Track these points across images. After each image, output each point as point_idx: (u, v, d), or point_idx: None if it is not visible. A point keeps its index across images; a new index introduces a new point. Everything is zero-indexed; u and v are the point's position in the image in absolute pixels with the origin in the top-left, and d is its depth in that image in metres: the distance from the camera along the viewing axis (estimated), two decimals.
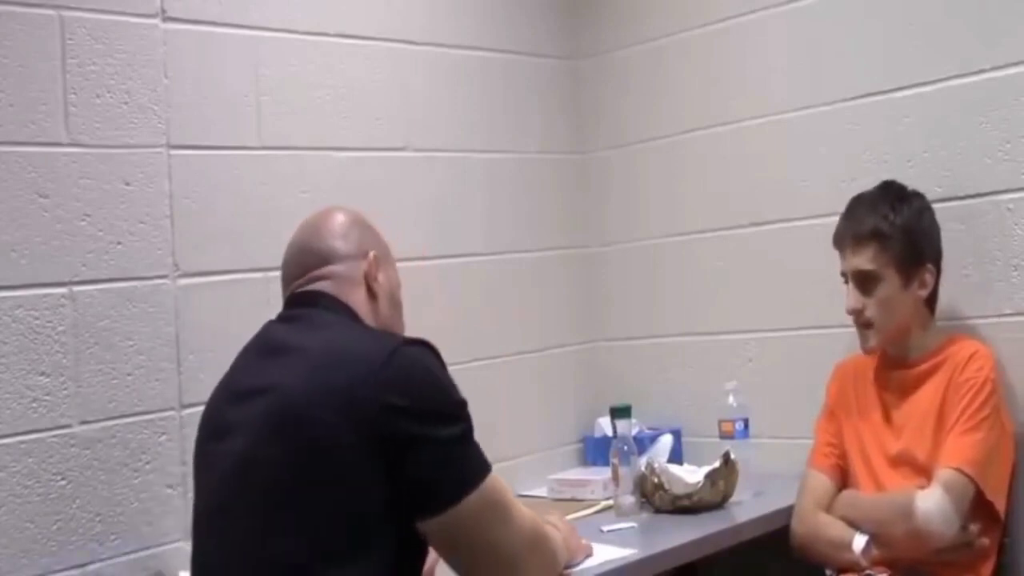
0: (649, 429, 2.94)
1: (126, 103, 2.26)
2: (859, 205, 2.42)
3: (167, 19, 2.33)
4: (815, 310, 2.72)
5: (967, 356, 2.34)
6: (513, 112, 3.08)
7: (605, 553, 2.13)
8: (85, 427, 2.15)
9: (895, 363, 2.44)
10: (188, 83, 2.36)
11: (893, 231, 2.33)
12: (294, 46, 2.56)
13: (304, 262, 1.85)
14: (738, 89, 2.91)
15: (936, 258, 2.40)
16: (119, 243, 2.23)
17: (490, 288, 2.97)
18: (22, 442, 2.07)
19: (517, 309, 3.04)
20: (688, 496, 2.48)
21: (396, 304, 1.91)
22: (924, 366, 2.39)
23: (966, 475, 2.23)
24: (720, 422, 2.66)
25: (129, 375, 2.23)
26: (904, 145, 2.59)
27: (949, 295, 2.51)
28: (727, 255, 2.94)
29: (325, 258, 1.83)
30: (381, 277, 1.86)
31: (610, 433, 2.63)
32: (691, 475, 2.51)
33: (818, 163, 2.75)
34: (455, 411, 1.66)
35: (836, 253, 2.71)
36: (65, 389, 2.13)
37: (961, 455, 2.25)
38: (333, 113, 2.63)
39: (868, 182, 2.62)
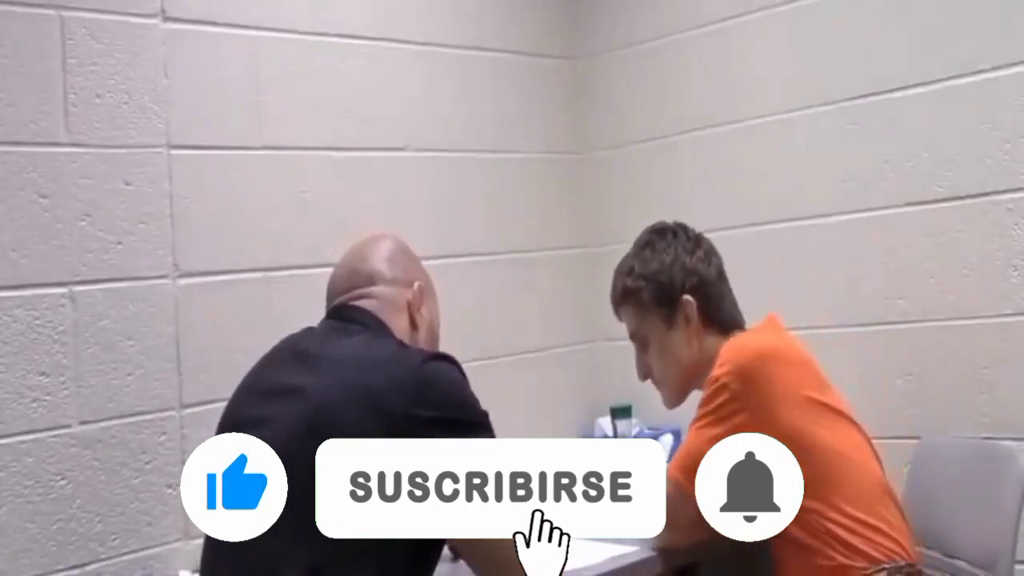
0: (649, 429, 2.94)
1: (126, 103, 2.26)
2: (615, 271, 2.32)
3: (167, 19, 2.33)
4: (815, 310, 2.72)
5: (717, 356, 2.11)
6: (513, 112, 3.07)
7: (605, 552, 2.13)
8: (85, 427, 2.15)
9: None
10: (188, 83, 2.36)
11: (638, 282, 2.24)
12: (294, 46, 2.56)
13: (350, 282, 1.88)
14: (738, 89, 2.90)
15: (695, 284, 2.24)
16: (119, 243, 2.23)
17: (490, 288, 2.96)
18: (22, 442, 2.07)
19: (517, 309, 3.04)
20: None
21: (434, 338, 1.94)
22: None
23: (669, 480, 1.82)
24: None
25: (129, 375, 2.23)
26: (904, 145, 2.58)
27: (949, 295, 2.51)
28: (726, 255, 2.89)
29: (371, 279, 1.87)
30: (424, 309, 1.90)
31: (610, 433, 2.64)
32: None
33: (818, 163, 2.74)
34: (479, 420, 1.69)
35: (836, 254, 2.71)
36: (65, 389, 2.13)
37: (673, 461, 2.01)
38: (333, 113, 2.63)
39: (868, 182, 2.63)
